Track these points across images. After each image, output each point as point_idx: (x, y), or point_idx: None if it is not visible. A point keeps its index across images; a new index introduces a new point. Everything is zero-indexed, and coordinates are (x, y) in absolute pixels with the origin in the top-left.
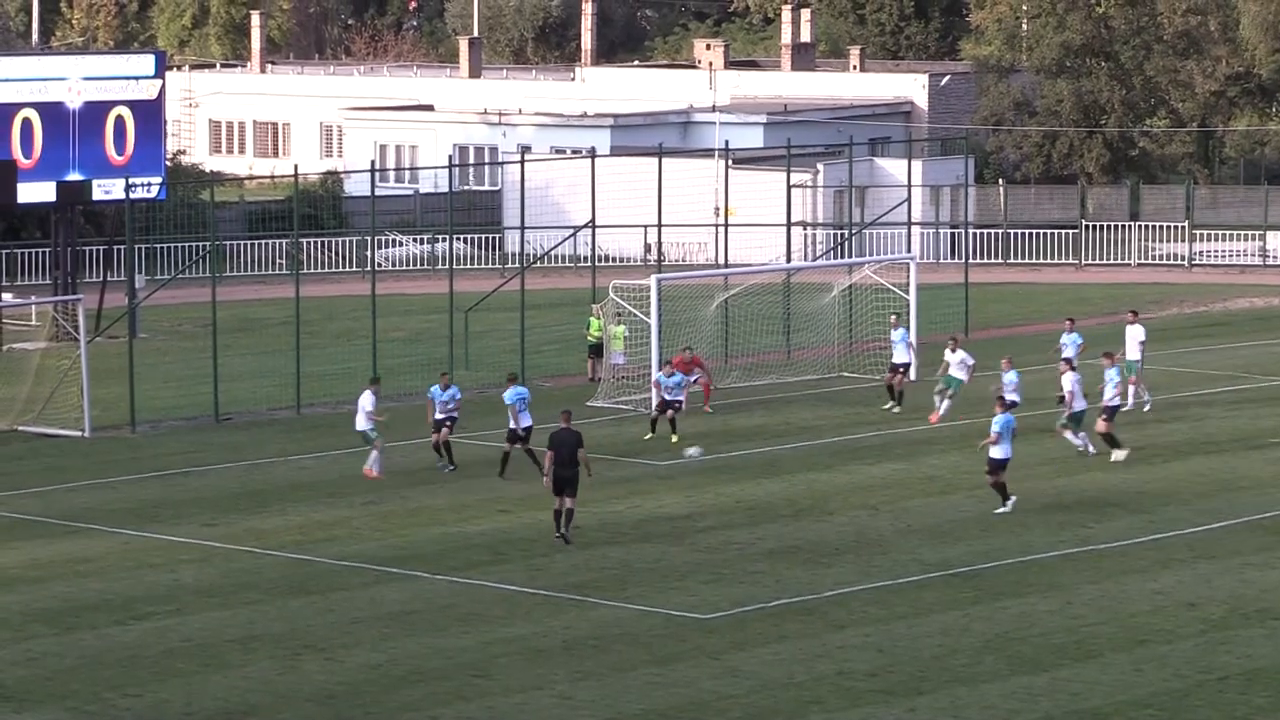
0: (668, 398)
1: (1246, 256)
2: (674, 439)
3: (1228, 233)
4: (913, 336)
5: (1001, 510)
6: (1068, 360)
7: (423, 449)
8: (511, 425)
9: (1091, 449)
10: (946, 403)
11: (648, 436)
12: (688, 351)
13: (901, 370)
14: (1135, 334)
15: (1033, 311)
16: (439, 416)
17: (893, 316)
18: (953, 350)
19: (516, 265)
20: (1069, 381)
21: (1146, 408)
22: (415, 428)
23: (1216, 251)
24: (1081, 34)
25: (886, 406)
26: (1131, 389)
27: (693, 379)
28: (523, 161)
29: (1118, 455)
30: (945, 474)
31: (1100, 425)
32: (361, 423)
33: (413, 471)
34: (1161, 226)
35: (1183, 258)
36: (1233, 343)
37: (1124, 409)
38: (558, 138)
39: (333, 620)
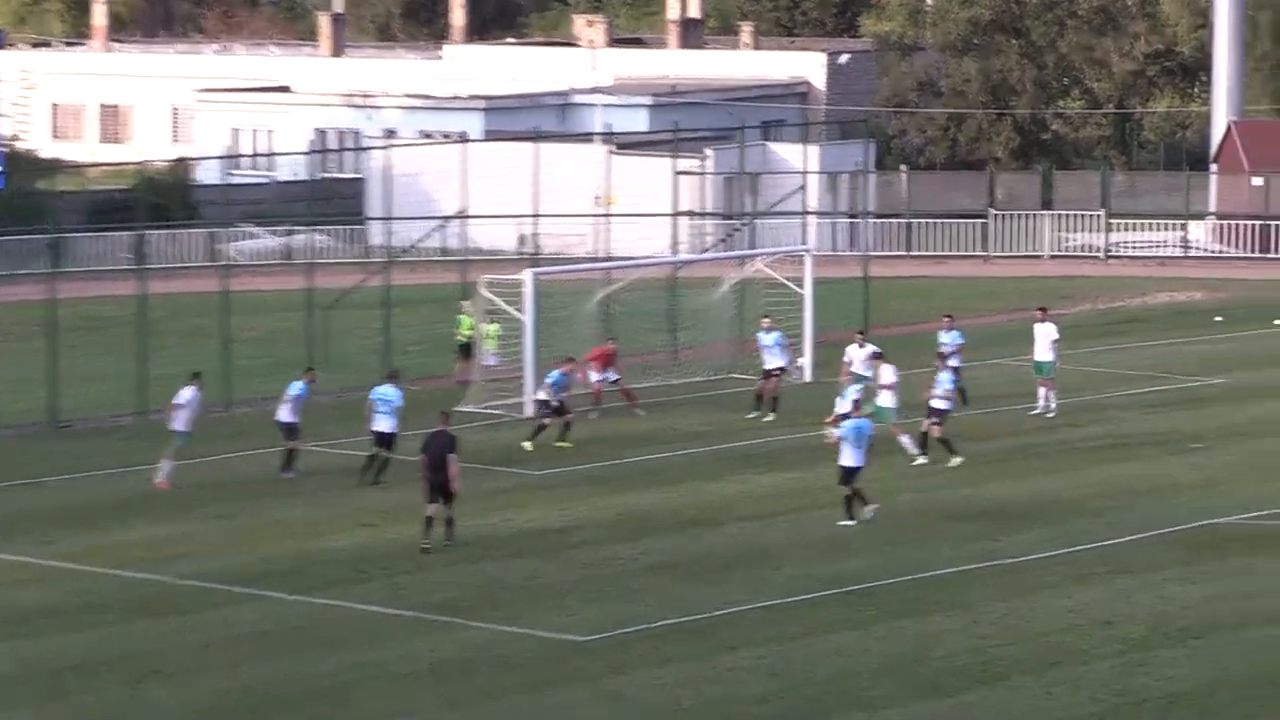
0: (542, 397)
1: (1167, 247)
2: (528, 445)
3: (1147, 222)
4: (807, 334)
5: (846, 523)
6: (941, 355)
7: (276, 458)
8: (376, 427)
9: (922, 458)
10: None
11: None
12: (612, 343)
13: (776, 375)
14: (1045, 332)
15: (937, 307)
16: (288, 419)
17: (764, 319)
18: (860, 345)
19: (381, 259)
20: (944, 381)
21: (1051, 414)
22: (273, 433)
23: (1135, 242)
24: (990, 9)
25: (752, 415)
26: (1042, 393)
27: (611, 378)
28: (388, 146)
29: (955, 461)
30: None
31: (931, 429)
32: (181, 425)
33: (266, 482)
34: (1076, 215)
35: (1098, 249)
36: (1151, 340)
37: (1034, 413)
38: (426, 121)
39: (181, 644)
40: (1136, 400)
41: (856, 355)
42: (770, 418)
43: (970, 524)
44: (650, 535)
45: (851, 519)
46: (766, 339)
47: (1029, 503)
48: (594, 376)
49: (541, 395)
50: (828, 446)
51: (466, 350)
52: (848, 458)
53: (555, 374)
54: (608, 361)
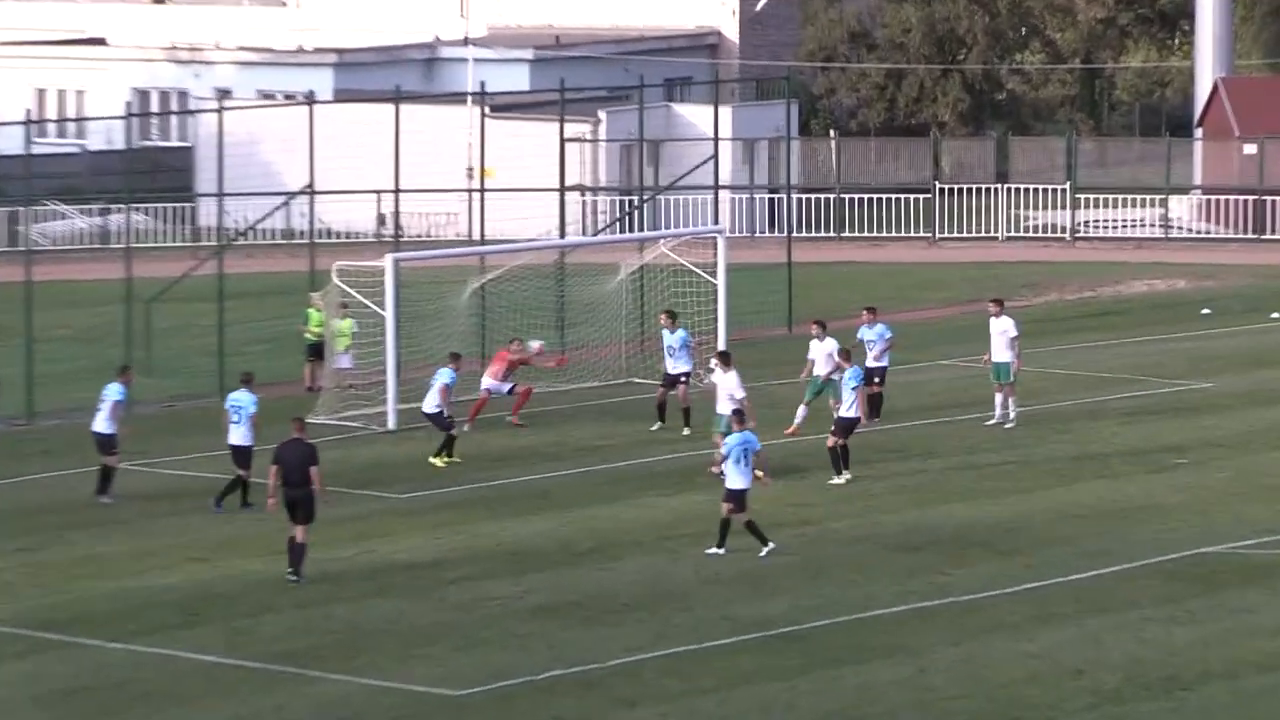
0: (434, 408)
1: (1143, 227)
2: (436, 461)
3: (1120, 198)
4: (721, 331)
5: (714, 551)
6: (845, 352)
7: (90, 479)
8: (233, 440)
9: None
10: (803, 410)
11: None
12: (516, 345)
13: (683, 381)
14: (1002, 328)
15: (873, 298)
16: (105, 430)
17: (663, 315)
18: (820, 339)
19: (213, 243)
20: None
21: (1010, 424)
22: (87, 450)
23: (1106, 221)
24: None
25: (655, 428)
26: (999, 400)
27: (506, 388)
28: (221, 110)
29: (839, 479)
30: (765, 507)
31: (830, 439)
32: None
33: (79, 509)
34: (1037, 190)
35: (1064, 229)
36: (1127, 337)
37: (990, 424)
38: (266, 79)
39: None
40: (1110, 408)
41: (819, 352)
42: (686, 432)
43: (917, 555)
44: (536, 570)
45: (721, 548)
46: (670, 338)
47: (985, 529)
48: (487, 383)
49: (435, 405)
50: (713, 472)
51: (317, 351)
52: (735, 479)
53: (448, 373)
54: (510, 370)
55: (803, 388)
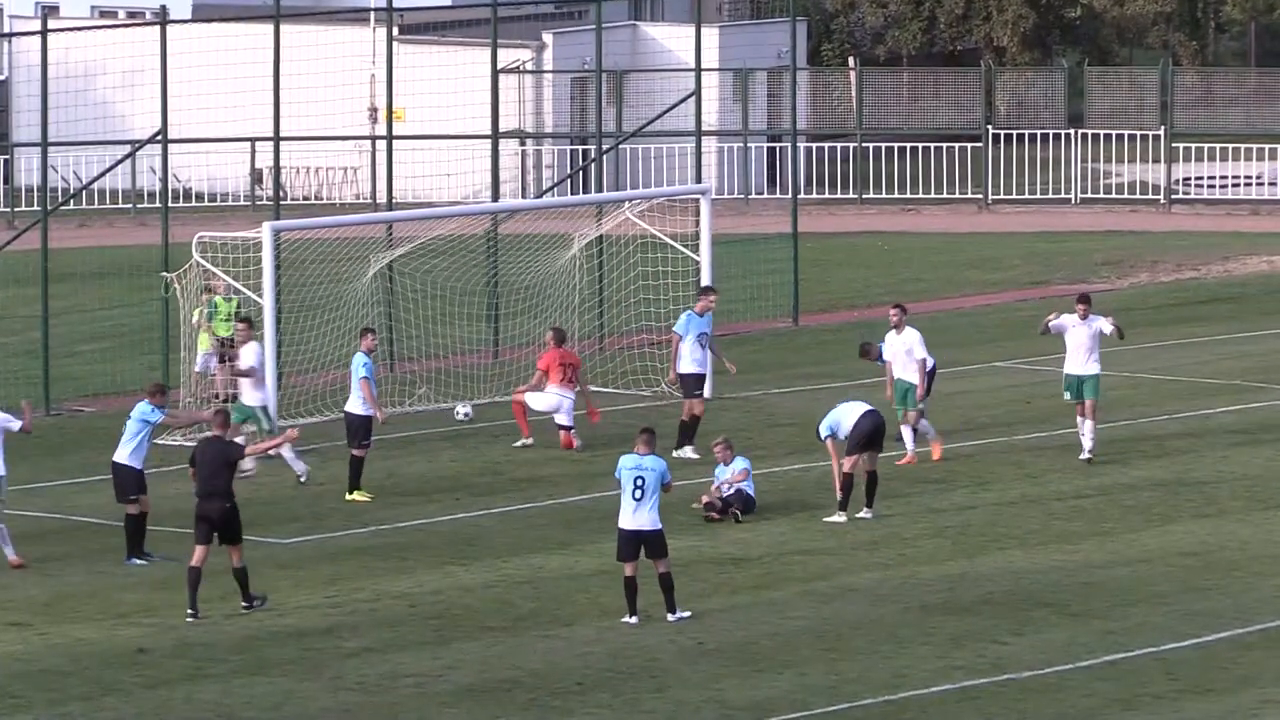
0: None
1: (1260, 186)
2: (359, 497)
3: (1229, 147)
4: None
5: (629, 619)
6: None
7: None
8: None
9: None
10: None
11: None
12: (561, 343)
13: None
14: (1087, 332)
15: (905, 281)
16: None
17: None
18: (899, 329)
19: (35, 207)
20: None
21: (1088, 454)
22: None
23: (1212, 179)
24: None
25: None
26: (1085, 427)
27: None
28: (44, 31)
29: (839, 518)
30: (762, 553)
31: (848, 460)
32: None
33: None
34: (1121, 137)
35: (1157, 189)
36: (1239, 332)
37: (1083, 457)
38: None
39: None
40: (1217, 425)
41: (896, 346)
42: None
43: (963, 618)
44: (462, 639)
45: (633, 615)
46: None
47: (1053, 584)
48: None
49: (363, 406)
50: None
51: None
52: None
53: (362, 359)
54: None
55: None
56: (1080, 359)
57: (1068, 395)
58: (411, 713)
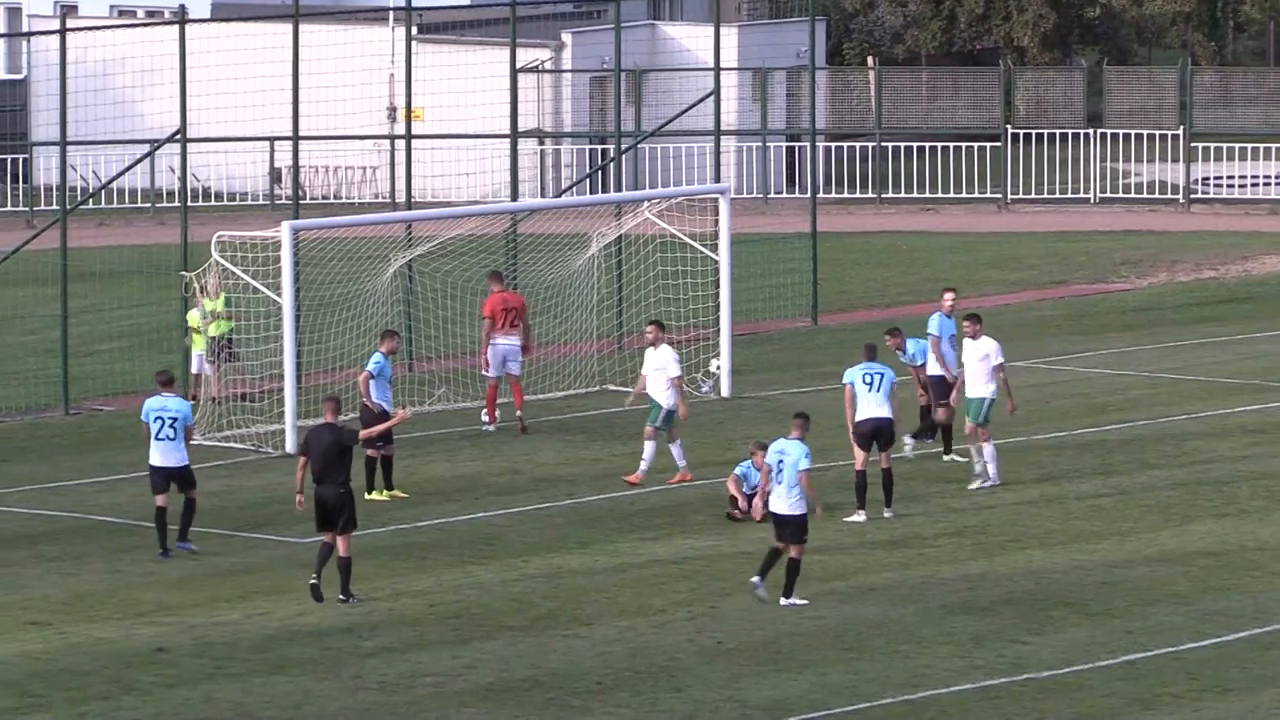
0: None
1: (1279, 186)
2: (373, 494)
3: (1248, 146)
4: (724, 323)
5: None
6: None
7: None
8: (155, 461)
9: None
10: (649, 446)
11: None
12: (501, 286)
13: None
14: (983, 352)
15: (927, 280)
16: None
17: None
18: (975, 336)
19: (54, 207)
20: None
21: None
22: None
23: (1230, 179)
24: None
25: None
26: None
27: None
28: (63, 31)
29: (859, 518)
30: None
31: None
32: None
33: None
34: (1140, 137)
35: (1175, 189)
36: (1259, 331)
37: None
38: None
39: None
40: (1235, 425)
41: (971, 357)
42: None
43: (983, 618)
44: (480, 638)
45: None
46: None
47: (1072, 584)
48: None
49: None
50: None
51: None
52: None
53: (377, 358)
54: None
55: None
56: (970, 380)
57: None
58: (430, 712)
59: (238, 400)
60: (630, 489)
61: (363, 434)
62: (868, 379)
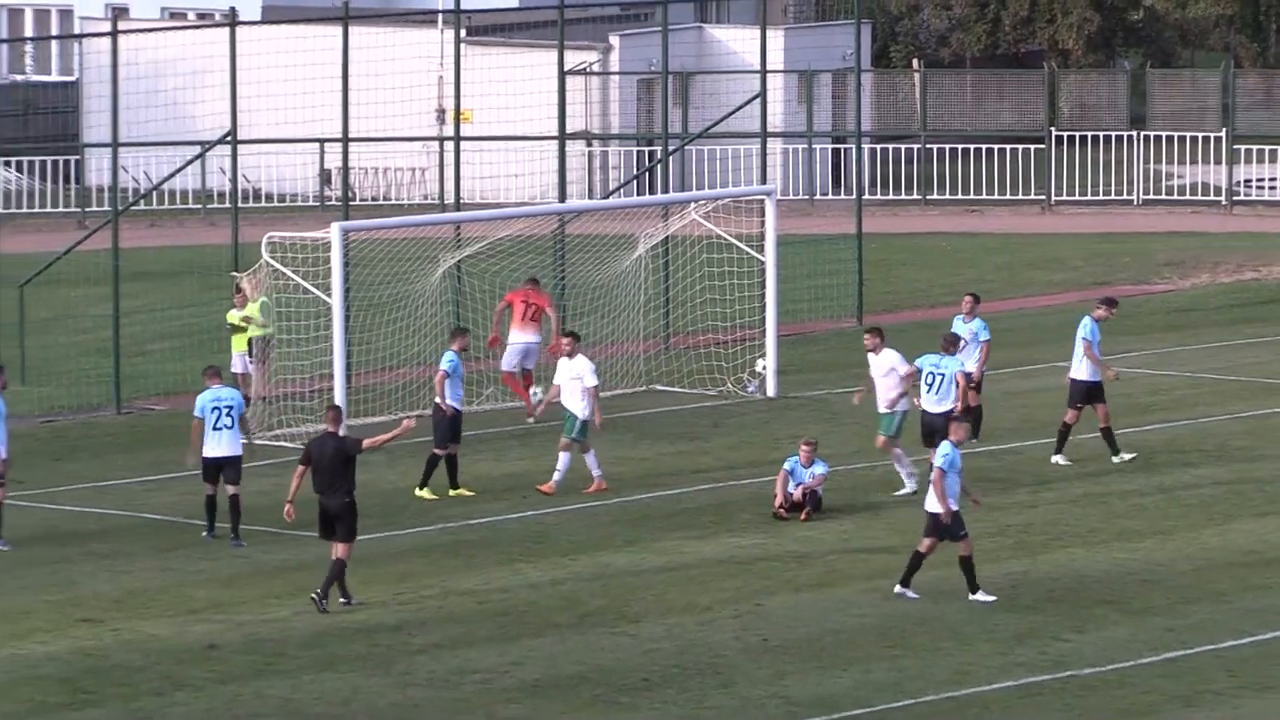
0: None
1: None
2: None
3: None
4: (770, 323)
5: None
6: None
7: None
8: (208, 452)
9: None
10: (563, 457)
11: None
12: (533, 285)
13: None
14: (887, 366)
15: (970, 281)
16: None
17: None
18: (569, 355)
19: (105, 208)
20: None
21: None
22: None
23: (1273, 180)
24: None
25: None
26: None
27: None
28: (114, 33)
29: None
30: (825, 550)
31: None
32: None
33: None
34: (1183, 139)
35: (1219, 190)
36: None
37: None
38: None
39: None
40: (1278, 424)
41: (875, 368)
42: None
43: (1025, 616)
44: (528, 635)
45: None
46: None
47: (1114, 582)
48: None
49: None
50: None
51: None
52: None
53: (450, 356)
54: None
55: None
56: (881, 395)
57: None
58: (478, 709)
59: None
60: (706, 484)
61: (366, 443)
62: (929, 379)
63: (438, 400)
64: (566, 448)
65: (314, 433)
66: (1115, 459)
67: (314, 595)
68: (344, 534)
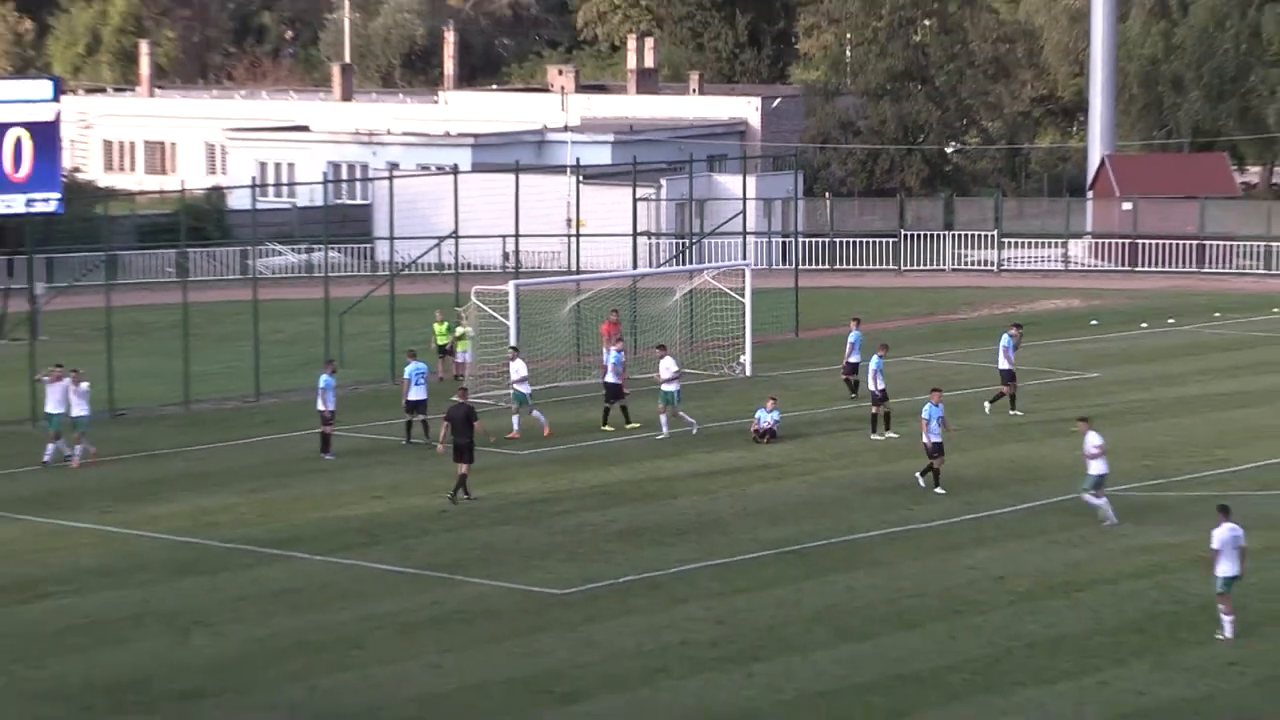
0: (612, 380)
1: (1050, 262)
2: (615, 427)
3: (1033, 240)
4: (748, 335)
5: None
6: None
7: (307, 440)
8: (410, 397)
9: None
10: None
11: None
12: (615, 315)
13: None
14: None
15: (856, 312)
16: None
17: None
18: (660, 358)
19: (386, 272)
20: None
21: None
22: (298, 420)
23: (1023, 258)
24: (902, 60)
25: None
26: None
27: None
28: (391, 177)
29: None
30: (779, 461)
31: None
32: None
33: (292, 461)
34: (973, 235)
35: (992, 263)
36: (1039, 340)
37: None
38: (423, 156)
39: (220, 598)
40: (1026, 390)
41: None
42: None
43: (889, 496)
44: (616, 505)
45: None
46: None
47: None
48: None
49: (611, 377)
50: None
51: (443, 351)
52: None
53: (615, 354)
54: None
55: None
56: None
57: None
58: (590, 546)
59: (480, 376)
60: (711, 421)
61: (477, 426)
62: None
63: (609, 379)
64: (663, 411)
65: (498, 395)
66: (987, 406)
67: (448, 497)
68: (467, 458)
